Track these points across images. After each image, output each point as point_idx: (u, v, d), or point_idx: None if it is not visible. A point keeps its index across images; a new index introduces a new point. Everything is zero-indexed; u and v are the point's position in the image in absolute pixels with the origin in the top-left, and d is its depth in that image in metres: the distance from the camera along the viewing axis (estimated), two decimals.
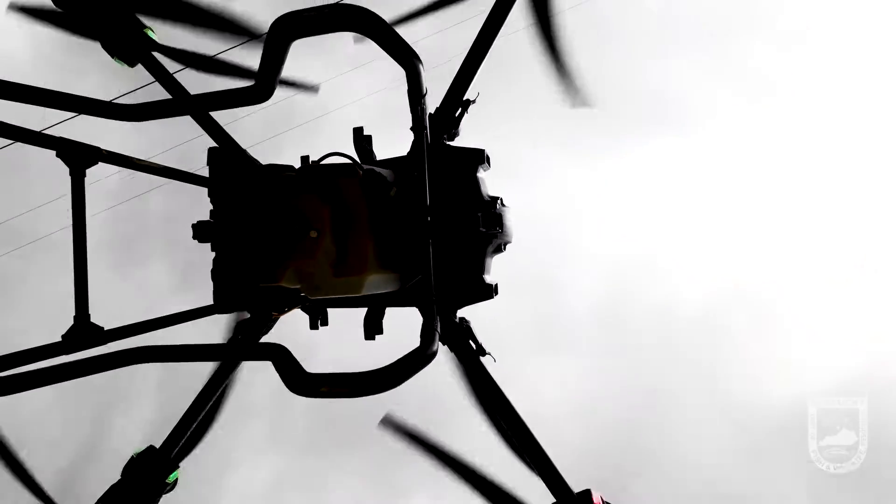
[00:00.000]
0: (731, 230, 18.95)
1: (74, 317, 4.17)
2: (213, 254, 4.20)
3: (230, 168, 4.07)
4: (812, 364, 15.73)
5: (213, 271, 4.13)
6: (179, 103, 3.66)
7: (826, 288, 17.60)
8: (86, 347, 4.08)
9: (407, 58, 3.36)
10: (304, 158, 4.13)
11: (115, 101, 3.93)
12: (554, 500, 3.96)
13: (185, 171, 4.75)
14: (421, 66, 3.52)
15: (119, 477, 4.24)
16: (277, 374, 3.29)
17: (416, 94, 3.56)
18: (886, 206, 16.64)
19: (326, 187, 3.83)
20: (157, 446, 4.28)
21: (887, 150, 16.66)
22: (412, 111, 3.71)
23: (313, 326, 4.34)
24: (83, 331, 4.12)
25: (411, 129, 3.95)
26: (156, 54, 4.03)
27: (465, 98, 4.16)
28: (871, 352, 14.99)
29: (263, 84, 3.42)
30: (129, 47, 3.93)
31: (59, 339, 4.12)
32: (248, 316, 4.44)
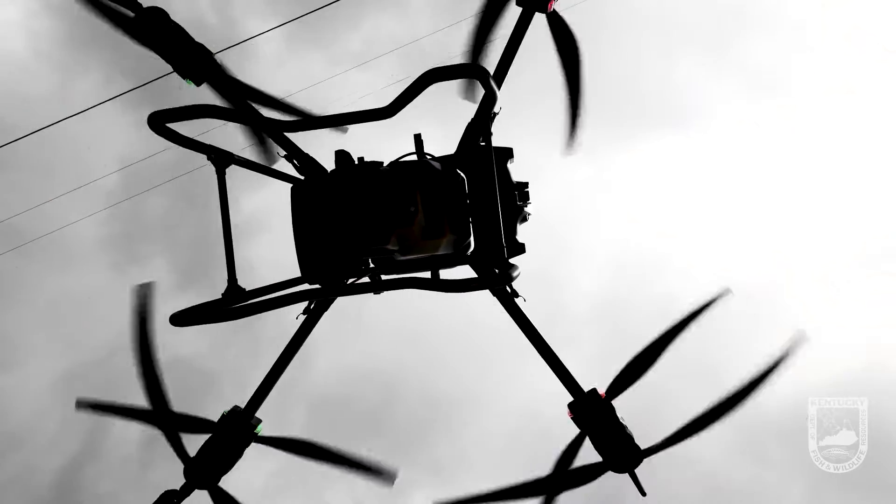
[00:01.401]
0: (731, 228, 18.94)
1: (228, 280, 5.61)
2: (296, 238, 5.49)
3: (349, 166, 5.47)
4: (812, 362, 15.71)
5: (298, 251, 5.42)
6: (324, 119, 4.71)
7: (826, 286, 17.59)
8: (237, 302, 5.48)
9: (492, 92, 4.70)
10: (360, 159, 5.50)
11: (269, 118, 5.00)
12: (572, 399, 5.48)
13: (280, 171, 6.02)
14: (497, 96, 4.89)
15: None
16: (430, 290, 4.63)
17: (486, 112, 5.14)
18: (888, 206, 16.62)
19: (418, 177, 5.26)
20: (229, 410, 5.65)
21: (888, 152, 16.64)
22: (481, 124, 5.28)
23: (377, 293, 5.29)
24: (234, 290, 5.62)
25: (477, 136, 5.53)
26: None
27: (493, 110, 5.38)
28: (871, 350, 14.98)
29: (394, 107, 4.49)
30: (198, 70, 5.14)
31: (220, 296, 5.61)
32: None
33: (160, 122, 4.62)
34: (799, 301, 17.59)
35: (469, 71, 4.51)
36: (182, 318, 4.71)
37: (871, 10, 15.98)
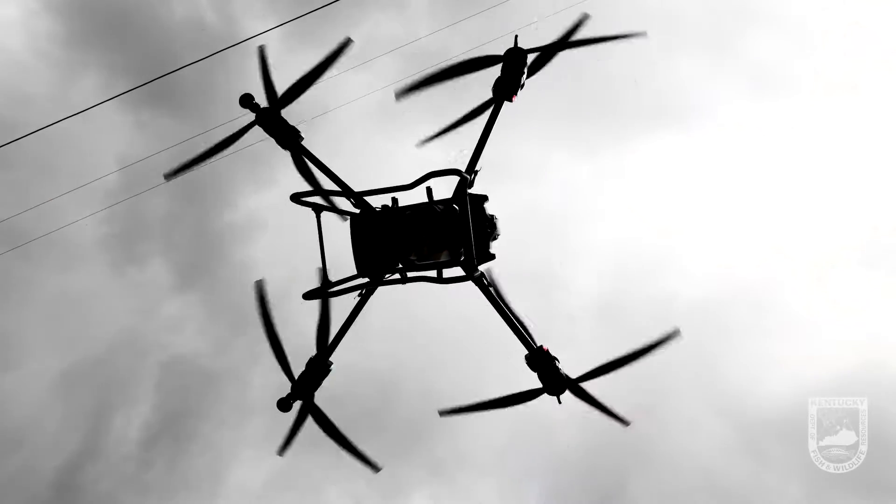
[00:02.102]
0: (731, 226, 18.94)
1: (322, 276, 8.42)
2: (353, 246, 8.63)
3: (396, 210, 8.61)
4: (812, 361, 15.72)
5: (355, 254, 8.46)
6: (383, 189, 8.04)
7: (826, 284, 17.59)
8: (329, 288, 8.41)
9: (465, 180, 7.91)
10: (394, 200, 8.46)
11: (355, 190, 8.18)
12: (527, 352, 8.09)
13: (345, 209, 8.73)
14: (469, 183, 8.09)
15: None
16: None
17: (464, 185, 8.03)
18: (889, 205, 16.62)
19: (429, 216, 8.35)
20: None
21: (889, 151, 16.63)
22: (463, 188, 8.10)
23: (403, 284, 8.46)
24: (326, 281, 8.41)
25: (460, 198, 8.25)
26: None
27: (475, 169, 8.30)
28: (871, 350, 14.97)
29: (414, 185, 7.81)
30: (285, 139, 8.12)
31: (319, 285, 8.44)
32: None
33: (298, 196, 8.14)
34: (799, 299, 17.61)
35: (453, 172, 7.84)
36: (308, 296, 8.26)
37: (870, 7, 15.98)
